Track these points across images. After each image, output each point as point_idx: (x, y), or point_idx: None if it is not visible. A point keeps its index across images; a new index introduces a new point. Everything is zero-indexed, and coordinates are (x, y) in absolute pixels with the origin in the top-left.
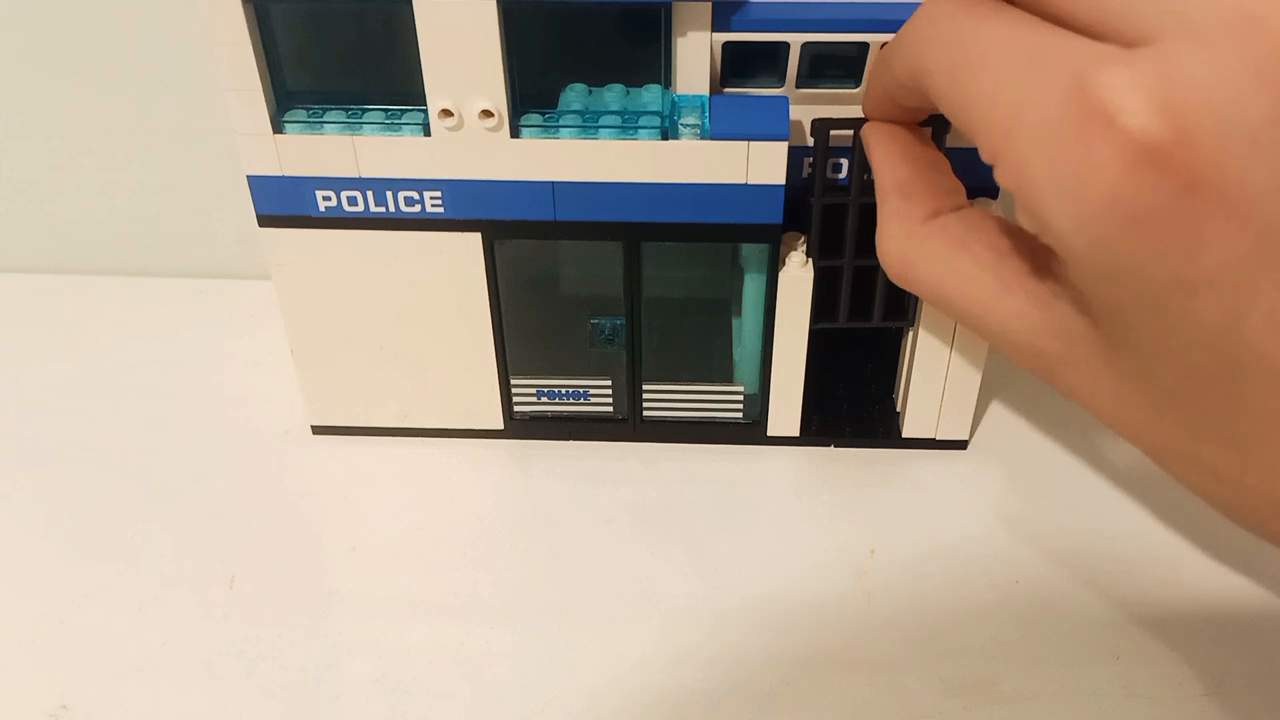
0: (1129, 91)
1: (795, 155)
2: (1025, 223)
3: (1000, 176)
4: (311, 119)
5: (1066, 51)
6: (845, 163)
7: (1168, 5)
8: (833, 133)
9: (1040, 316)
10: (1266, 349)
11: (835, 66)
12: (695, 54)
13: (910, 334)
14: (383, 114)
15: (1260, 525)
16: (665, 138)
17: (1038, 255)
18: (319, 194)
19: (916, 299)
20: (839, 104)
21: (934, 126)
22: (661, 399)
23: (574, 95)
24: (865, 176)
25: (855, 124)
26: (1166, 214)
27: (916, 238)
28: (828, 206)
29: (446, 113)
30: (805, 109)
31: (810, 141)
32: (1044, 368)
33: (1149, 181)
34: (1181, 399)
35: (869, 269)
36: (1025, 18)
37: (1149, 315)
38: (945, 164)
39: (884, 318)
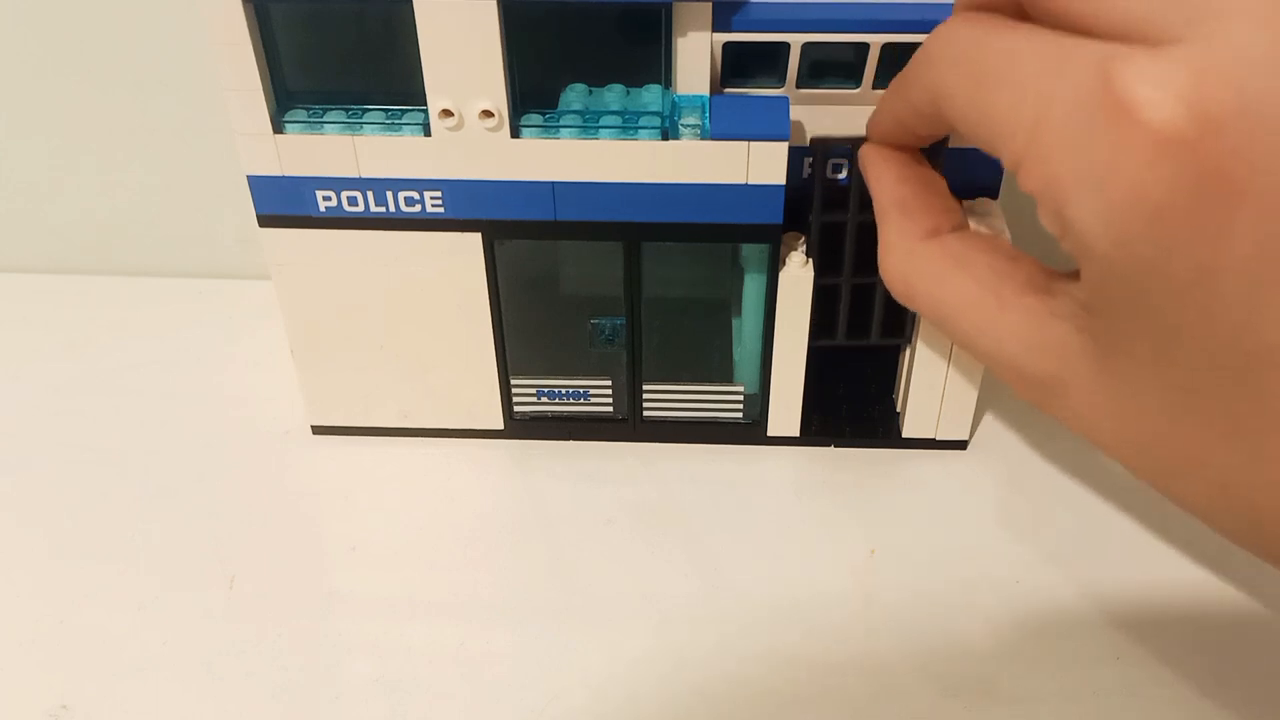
0: (1154, 83)
1: (795, 155)
2: (1048, 224)
3: (1024, 181)
4: (312, 119)
5: (1090, 51)
6: (844, 163)
7: (1193, 4)
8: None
9: (1038, 335)
10: None
11: (835, 67)
12: (695, 54)
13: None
14: (383, 114)
15: (1264, 541)
16: (665, 138)
17: (1036, 277)
18: (319, 194)
19: (914, 317)
20: (839, 104)
21: (932, 148)
22: (661, 399)
23: (574, 95)
24: (864, 200)
25: (853, 143)
26: (1191, 206)
27: (917, 255)
28: (826, 224)
29: (447, 113)
30: (805, 109)
31: (809, 141)
32: (1040, 391)
33: (1174, 173)
34: (1192, 401)
35: (867, 287)
36: (1044, 30)
37: (1166, 314)
38: (942, 184)
39: (882, 335)
